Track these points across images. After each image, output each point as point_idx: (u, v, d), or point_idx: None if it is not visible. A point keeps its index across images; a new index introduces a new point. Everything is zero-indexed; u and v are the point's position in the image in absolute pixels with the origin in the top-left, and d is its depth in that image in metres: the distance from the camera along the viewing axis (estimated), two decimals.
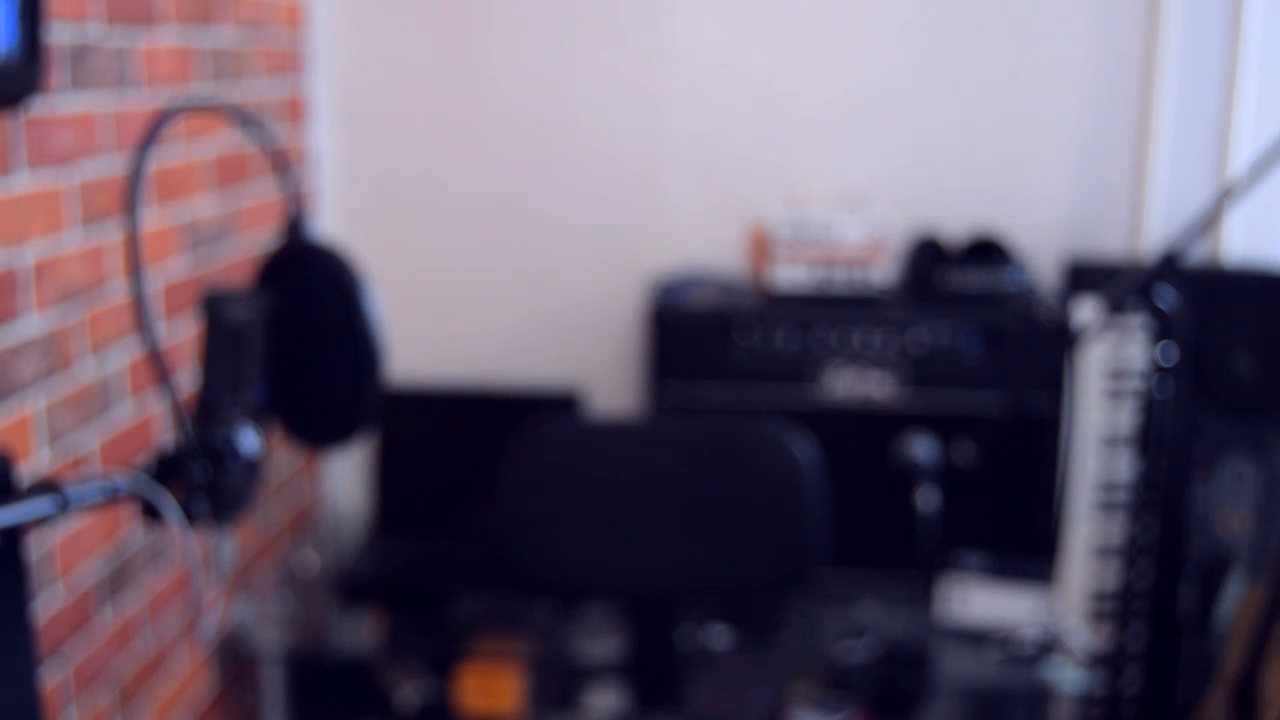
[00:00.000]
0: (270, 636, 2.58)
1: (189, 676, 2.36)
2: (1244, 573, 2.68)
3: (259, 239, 2.62)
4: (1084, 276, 2.81)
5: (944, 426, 2.66)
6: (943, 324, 2.73)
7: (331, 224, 3.05)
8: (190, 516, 1.34)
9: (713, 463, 2.17)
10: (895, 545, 2.62)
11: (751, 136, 3.00)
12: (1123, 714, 2.51)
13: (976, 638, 2.52)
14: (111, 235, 1.97)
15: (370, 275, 1.54)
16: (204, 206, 2.37)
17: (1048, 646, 2.47)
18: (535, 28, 3.00)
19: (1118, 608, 2.52)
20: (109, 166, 1.96)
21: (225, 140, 2.44)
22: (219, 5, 2.41)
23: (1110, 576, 2.69)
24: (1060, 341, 2.63)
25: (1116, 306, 2.23)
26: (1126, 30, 2.89)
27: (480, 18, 3.00)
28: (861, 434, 2.74)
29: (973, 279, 2.78)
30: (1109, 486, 2.70)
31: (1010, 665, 2.45)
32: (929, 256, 2.84)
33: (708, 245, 3.03)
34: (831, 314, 2.75)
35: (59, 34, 1.80)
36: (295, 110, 2.88)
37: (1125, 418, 2.69)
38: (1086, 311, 2.46)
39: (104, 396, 1.98)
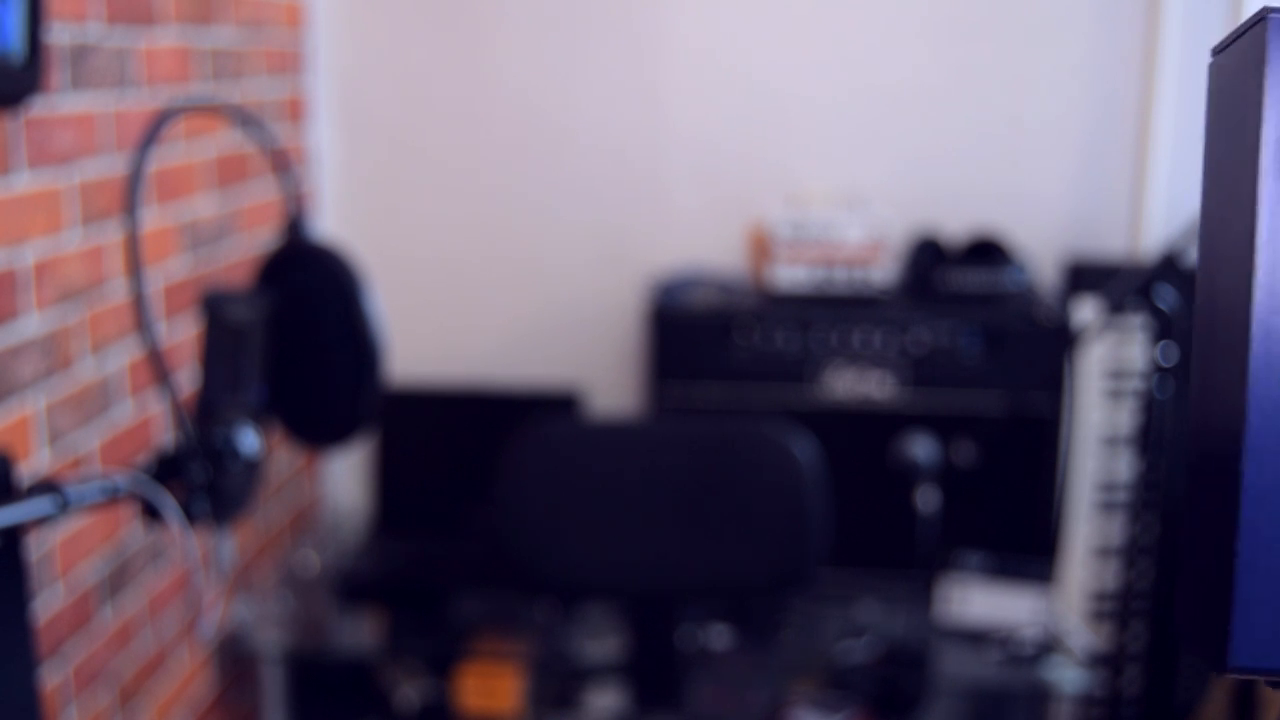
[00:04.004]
0: (270, 636, 2.58)
1: (189, 676, 2.36)
2: None
3: (259, 239, 2.62)
4: (1084, 276, 2.81)
5: (944, 426, 2.66)
6: (943, 324, 2.73)
7: (331, 224, 3.05)
8: (190, 516, 1.34)
9: (713, 463, 2.17)
10: (895, 545, 2.62)
11: (752, 136, 3.00)
12: (1123, 714, 2.51)
13: (976, 638, 2.52)
14: (111, 235, 1.97)
15: (370, 275, 1.55)
16: (204, 206, 2.37)
17: (1048, 646, 2.47)
18: (535, 27, 3.00)
19: (1118, 608, 2.52)
20: (109, 166, 1.96)
21: (225, 140, 2.44)
22: (219, 5, 2.41)
23: (1110, 576, 2.68)
24: (1060, 341, 2.63)
25: (1116, 306, 2.23)
26: (1126, 31, 2.89)
27: (480, 17, 3.00)
28: (861, 434, 2.74)
29: (973, 279, 2.78)
30: (1109, 486, 2.70)
31: (1010, 665, 2.45)
32: (929, 256, 2.84)
33: (708, 245, 3.03)
34: (831, 314, 2.75)
35: (59, 34, 1.80)
36: (295, 110, 2.88)
37: (1125, 418, 2.69)
38: (1086, 311, 2.46)
39: (104, 396, 1.98)
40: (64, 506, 1.21)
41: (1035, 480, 2.73)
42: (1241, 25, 0.65)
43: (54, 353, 1.83)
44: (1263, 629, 0.62)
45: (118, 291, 2.00)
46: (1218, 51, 0.68)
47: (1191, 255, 2.35)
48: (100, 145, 1.93)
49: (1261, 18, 0.61)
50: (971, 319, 2.72)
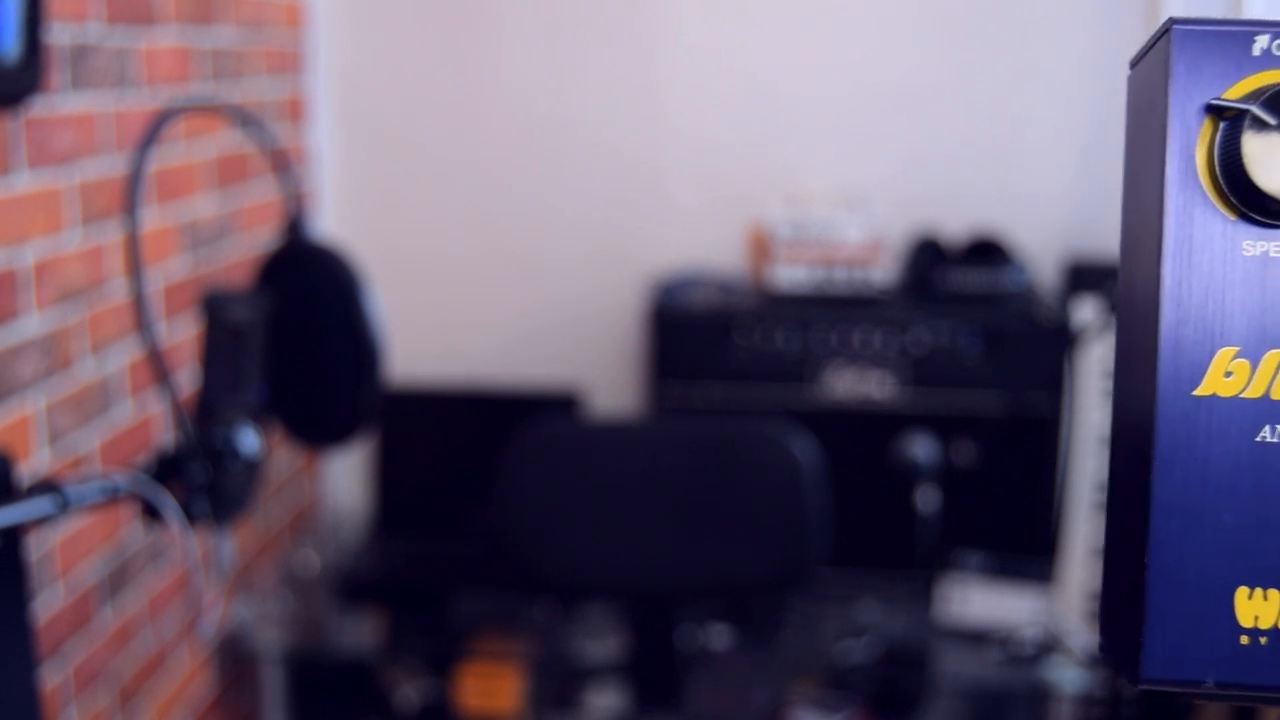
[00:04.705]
0: (270, 636, 2.58)
1: (189, 676, 2.36)
2: None
3: (259, 239, 2.62)
4: (1084, 276, 2.81)
5: (944, 426, 2.66)
6: (943, 324, 2.73)
7: (331, 224, 3.05)
8: (190, 516, 1.34)
9: (713, 463, 2.17)
10: (895, 545, 2.62)
11: (752, 136, 3.00)
12: (1123, 714, 2.51)
13: (976, 638, 2.52)
14: (111, 235, 1.97)
15: (370, 275, 1.55)
16: (204, 206, 2.37)
17: (1048, 646, 2.47)
18: (535, 27, 3.00)
19: None
20: (109, 166, 1.96)
21: (225, 140, 2.44)
22: (219, 5, 2.41)
23: None
24: (1060, 341, 2.62)
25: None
26: (1126, 30, 2.89)
27: (480, 17, 3.00)
28: (861, 434, 2.74)
29: (973, 279, 2.78)
30: None
31: (1010, 665, 2.45)
32: (929, 256, 2.84)
33: (708, 245, 3.03)
34: (831, 314, 2.75)
35: (59, 34, 1.80)
36: (295, 110, 2.88)
37: None
38: (1086, 311, 2.45)
39: (104, 396, 1.98)
40: (64, 506, 1.21)
41: (1035, 480, 2.73)
42: (1151, 37, 0.65)
43: (54, 353, 1.83)
44: (1176, 637, 0.62)
45: (118, 291, 2.00)
46: (1134, 64, 0.68)
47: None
48: (100, 145, 1.93)
49: (1167, 30, 0.62)
50: (971, 319, 2.72)
